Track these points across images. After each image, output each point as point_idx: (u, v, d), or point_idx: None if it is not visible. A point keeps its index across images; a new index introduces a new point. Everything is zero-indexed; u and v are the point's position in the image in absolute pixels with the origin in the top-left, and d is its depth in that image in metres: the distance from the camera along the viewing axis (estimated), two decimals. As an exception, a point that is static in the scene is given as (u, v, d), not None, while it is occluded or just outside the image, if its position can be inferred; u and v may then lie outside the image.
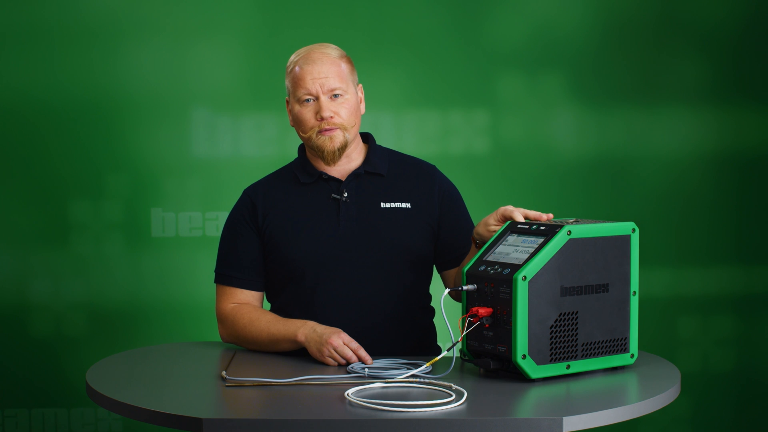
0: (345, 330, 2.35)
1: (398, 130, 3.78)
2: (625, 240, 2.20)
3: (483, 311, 2.11)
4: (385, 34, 3.77)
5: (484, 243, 2.29)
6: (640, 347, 2.30)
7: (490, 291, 2.11)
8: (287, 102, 2.57)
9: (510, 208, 2.28)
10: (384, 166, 2.58)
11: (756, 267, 3.86)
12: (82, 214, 3.76)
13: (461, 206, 2.62)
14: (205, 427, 1.87)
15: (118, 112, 3.74)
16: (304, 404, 2.00)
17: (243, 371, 2.26)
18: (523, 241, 2.15)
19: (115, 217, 3.76)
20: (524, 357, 2.07)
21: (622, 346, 2.21)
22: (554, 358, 2.11)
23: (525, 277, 2.06)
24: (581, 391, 2.09)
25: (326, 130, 2.48)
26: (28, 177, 3.75)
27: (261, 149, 3.77)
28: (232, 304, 2.55)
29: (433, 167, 2.64)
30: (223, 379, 2.17)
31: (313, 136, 2.50)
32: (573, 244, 2.12)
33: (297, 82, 2.50)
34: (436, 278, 2.63)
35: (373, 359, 2.28)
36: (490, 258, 2.17)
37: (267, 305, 2.63)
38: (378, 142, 2.66)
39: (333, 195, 2.53)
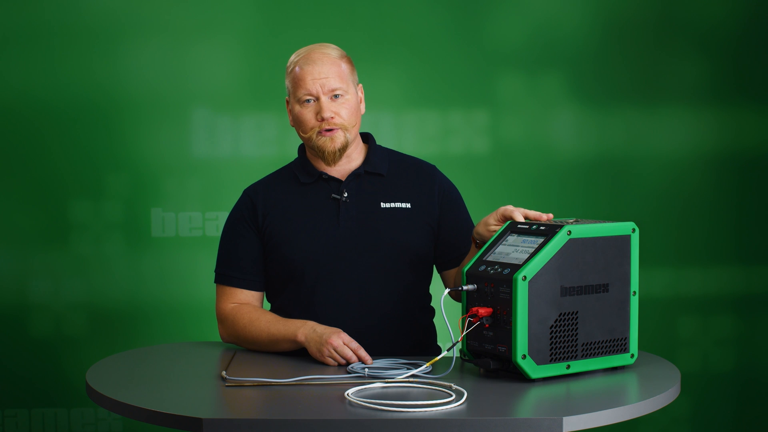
0: (345, 330, 2.35)
1: (398, 130, 3.78)
2: (625, 240, 2.20)
3: (483, 311, 2.11)
4: (385, 34, 3.77)
5: (484, 243, 2.29)
6: (640, 347, 2.30)
7: (490, 291, 2.11)
8: (287, 102, 2.57)
9: (510, 208, 2.28)
10: (384, 166, 2.58)
11: (756, 267, 3.86)
12: (82, 214, 3.76)
13: (461, 206, 2.62)
14: (205, 427, 1.87)
15: (118, 112, 3.74)
16: (304, 404, 2.00)
17: (243, 371, 2.26)
18: (523, 241, 2.15)
19: (115, 217, 3.76)
20: (524, 357, 2.07)
21: (622, 346, 2.21)
22: (554, 358, 2.11)
23: (525, 277, 2.06)
24: (581, 391, 2.09)
25: (327, 130, 2.48)
26: (28, 177, 3.75)
27: (261, 149, 3.77)
28: (232, 304, 2.55)
29: (433, 167, 2.64)
30: (223, 379, 2.17)
31: (314, 136, 2.50)
32: (573, 244, 2.12)
33: (297, 82, 2.50)
34: (436, 278, 2.63)
35: (373, 359, 2.28)
36: (490, 258, 2.17)
37: (267, 305, 2.63)
38: (378, 142, 2.66)
39: (333, 195, 2.53)
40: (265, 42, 3.76)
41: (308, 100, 2.49)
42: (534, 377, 2.10)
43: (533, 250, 2.10)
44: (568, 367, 2.13)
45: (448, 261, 2.58)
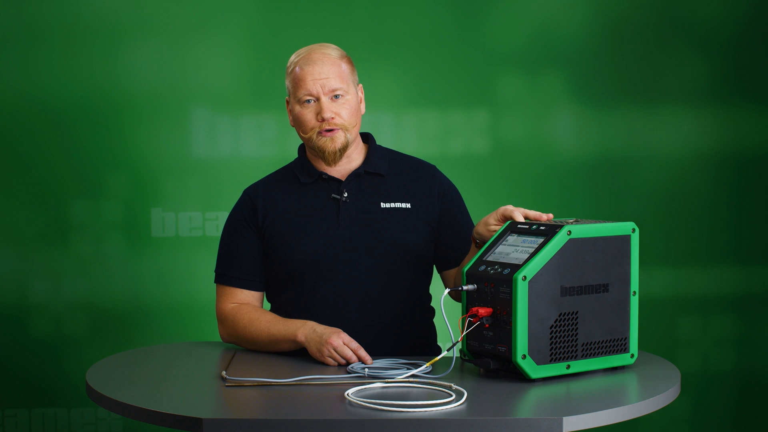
0: (345, 330, 2.35)
1: (398, 130, 3.78)
2: (625, 240, 2.20)
3: (483, 311, 2.11)
4: (385, 34, 3.77)
5: (484, 243, 2.29)
6: (640, 347, 2.30)
7: (490, 291, 2.11)
8: (287, 102, 2.57)
9: (510, 207, 2.28)
10: (384, 166, 2.58)
11: (756, 267, 3.86)
12: (82, 214, 3.76)
13: (461, 206, 2.62)
14: (205, 427, 1.87)
15: (118, 112, 3.74)
16: (304, 404, 2.00)
17: (243, 371, 2.26)
18: (523, 241, 2.15)
19: (115, 217, 3.76)
20: (524, 357, 2.07)
21: (622, 346, 2.21)
22: (554, 358, 2.11)
23: (525, 277, 2.06)
24: (581, 391, 2.09)
25: (327, 130, 2.48)
26: (28, 177, 3.75)
27: (261, 149, 3.77)
28: (232, 304, 2.55)
29: (433, 167, 2.64)
30: (223, 379, 2.17)
31: (314, 136, 2.50)
32: (573, 244, 2.12)
33: (297, 82, 2.50)
34: (436, 278, 2.63)
35: (373, 359, 2.28)
36: (490, 258, 2.17)
37: (267, 305, 2.63)
38: (378, 142, 2.66)
39: (333, 195, 2.53)
40: (265, 42, 3.76)
41: (308, 101, 2.49)
42: (534, 377, 2.10)
43: (533, 250, 2.10)
44: (568, 367, 2.13)
45: (448, 261, 2.58)
